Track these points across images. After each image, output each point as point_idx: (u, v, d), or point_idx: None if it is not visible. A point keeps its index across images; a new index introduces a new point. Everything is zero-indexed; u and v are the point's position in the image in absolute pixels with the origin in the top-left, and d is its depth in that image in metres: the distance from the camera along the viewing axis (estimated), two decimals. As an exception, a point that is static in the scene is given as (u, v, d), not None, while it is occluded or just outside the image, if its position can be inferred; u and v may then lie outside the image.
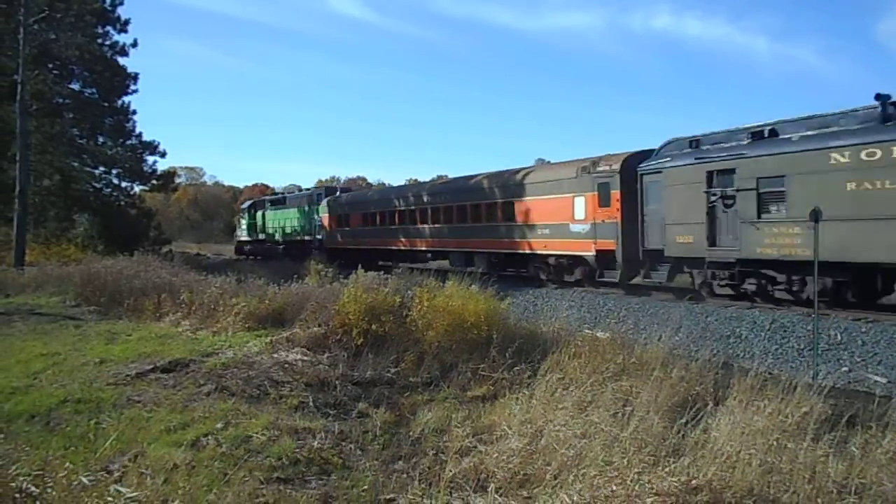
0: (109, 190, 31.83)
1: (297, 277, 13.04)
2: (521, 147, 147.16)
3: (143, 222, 33.10)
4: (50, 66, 28.45)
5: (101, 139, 31.47)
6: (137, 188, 33.71)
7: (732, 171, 13.77)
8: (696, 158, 14.82)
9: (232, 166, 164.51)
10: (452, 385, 7.88)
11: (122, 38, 30.26)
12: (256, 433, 5.73)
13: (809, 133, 12.72)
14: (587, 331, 9.32)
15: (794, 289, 13.11)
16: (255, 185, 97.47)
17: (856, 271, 12.00)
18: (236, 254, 44.16)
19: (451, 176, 19.42)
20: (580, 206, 17.22)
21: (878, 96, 11.82)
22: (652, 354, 7.64)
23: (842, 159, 11.74)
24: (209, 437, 5.59)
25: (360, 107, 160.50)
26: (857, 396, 7.98)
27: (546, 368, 7.23)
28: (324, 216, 31.99)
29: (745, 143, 13.89)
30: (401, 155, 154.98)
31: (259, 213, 41.02)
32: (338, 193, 33.17)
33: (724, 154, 14.06)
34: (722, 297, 14.63)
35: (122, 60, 30.49)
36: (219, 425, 5.90)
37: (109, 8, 29.57)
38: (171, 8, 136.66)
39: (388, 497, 4.78)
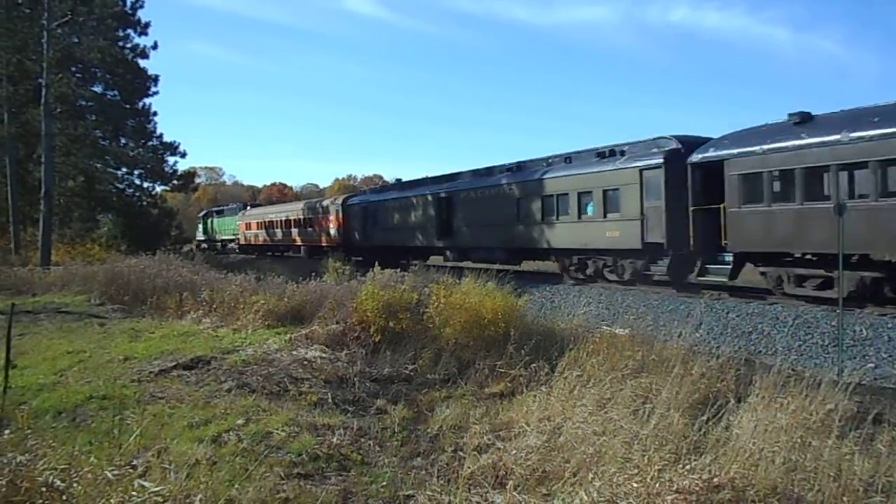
0: (132, 190, 32.29)
1: (314, 275, 13.13)
2: (535, 144, 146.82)
3: (165, 222, 33.55)
4: (73, 69, 28.89)
5: (123, 141, 31.93)
6: (159, 188, 34.18)
7: (366, 207, 30.42)
8: (360, 200, 31.92)
9: (251, 166, 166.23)
10: (470, 382, 7.89)
11: (142, 41, 30.67)
12: (276, 429, 5.78)
13: (384, 191, 31.49)
14: (605, 327, 9.27)
15: (390, 261, 20.09)
16: (274, 185, 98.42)
17: (398, 250, 26.85)
18: (196, 249, 52.70)
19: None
20: (333, 220, 32.66)
21: (397, 180, 32.14)
22: (672, 351, 7.58)
23: (388, 204, 28.51)
24: (230, 433, 5.66)
25: (376, 104, 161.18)
26: (883, 393, 7.86)
27: (564, 365, 7.20)
28: (239, 223, 46.35)
29: (373, 194, 32.57)
30: (417, 151, 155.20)
31: (209, 220, 53.63)
32: (248, 208, 48.21)
33: (370, 198, 31.31)
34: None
35: (142, 63, 30.91)
36: (240, 421, 5.97)
37: (130, 11, 29.97)
38: (188, 10, 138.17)
39: (406, 493, 4.79)
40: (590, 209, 17.63)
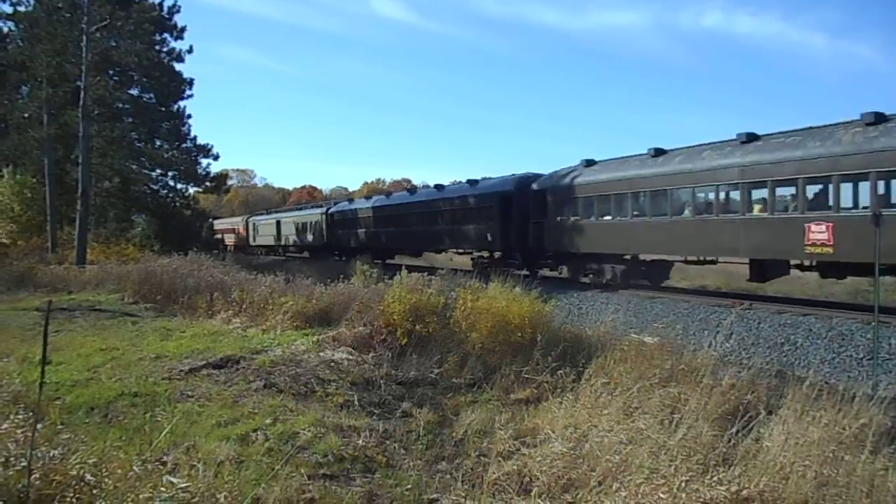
0: (166, 192, 33.02)
1: (342, 278, 13.22)
2: (563, 150, 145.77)
3: (197, 223, 34.17)
4: (111, 72, 29.67)
5: (158, 143, 32.70)
6: (192, 190, 34.88)
7: (254, 223, 52.61)
8: (252, 219, 54.47)
9: (282, 168, 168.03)
10: (496, 387, 7.85)
11: (178, 45, 31.39)
12: (303, 430, 5.83)
13: (261, 214, 56.11)
14: (634, 335, 9.16)
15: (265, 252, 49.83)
16: (304, 188, 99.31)
17: (269, 247, 50.12)
18: None
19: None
20: (242, 228, 54.64)
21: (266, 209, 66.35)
22: (701, 361, 7.45)
23: (261, 222, 51.27)
24: (258, 433, 5.73)
25: (405, 108, 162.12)
26: (920, 409, 7.62)
27: (591, 373, 7.14)
28: (217, 227, 59.47)
29: (255, 216, 55.62)
30: (446, 155, 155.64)
31: None
32: (214, 220, 62.04)
33: (255, 219, 53.90)
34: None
35: (178, 66, 31.64)
36: (267, 421, 6.03)
37: (167, 16, 30.67)
38: (220, 13, 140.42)
39: (431, 497, 4.80)
40: (310, 229, 40.51)
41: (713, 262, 16.71)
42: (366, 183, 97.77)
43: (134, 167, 31.83)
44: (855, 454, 4.59)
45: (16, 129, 29.48)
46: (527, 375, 7.85)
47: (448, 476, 5.23)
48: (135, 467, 3.85)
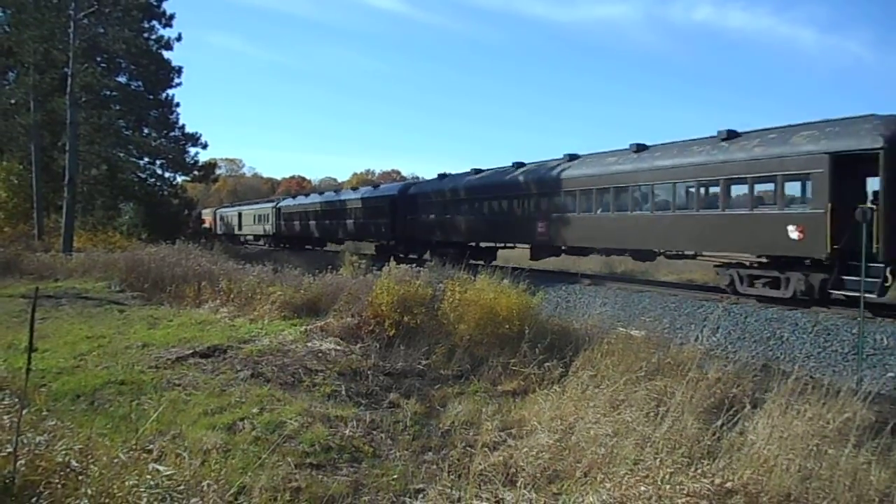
0: (153, 180, 32.67)
1: (331, 268, 13.18)
2: (551, 143, 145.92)
3: (185, 212, 33.89)
4: (98, 59, 29.23)
5: (146, 131, 32.31)
6: (180, 178, 34.57)
7: (222, 214, 59.09)
8: (220, 210, 61.02)
9: (270, 158, 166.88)
10: (483, 379, 7.88)
11: (166, 33, 30.97)
12: (290, 419, 5.83)
13: (228, 206, 64.68)
14: (621, 329, 9.20)
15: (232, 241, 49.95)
16: (293, 178, 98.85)
17: (235, 236, 55.18)
18: None
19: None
20: (211, 220, 58.86)
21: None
22: (687, 354, 7.50)
23: (228, 212, 59.21)
24: (245, 422, 5.72)
25: (395, 99, 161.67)
26: (902, 404, 7.72)
27: (578, 365, 7.17)
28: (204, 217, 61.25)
29: (223, 208, 64.01)
30: (436, 147, 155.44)
31: None
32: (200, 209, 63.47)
33: (224, 208, 62.52)
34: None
35: (166, 54, 31.21)
36: (254, 410, 6.02)
37: (155, 3, 30.27)
38: (211, 2, 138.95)
39: (417, 487, 4.81)
40: (264, 220, 45.77)
41: (513, 247, 24.30)
42: (355, 173, 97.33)
43: (121, 155, 31.47)
44: (838, 448, 4.64)
45: (2, 116, 29.07)
46: (514, 367, 7.89)
47: (434, 466, 5.25)
48: (120, 454, 3.83)
